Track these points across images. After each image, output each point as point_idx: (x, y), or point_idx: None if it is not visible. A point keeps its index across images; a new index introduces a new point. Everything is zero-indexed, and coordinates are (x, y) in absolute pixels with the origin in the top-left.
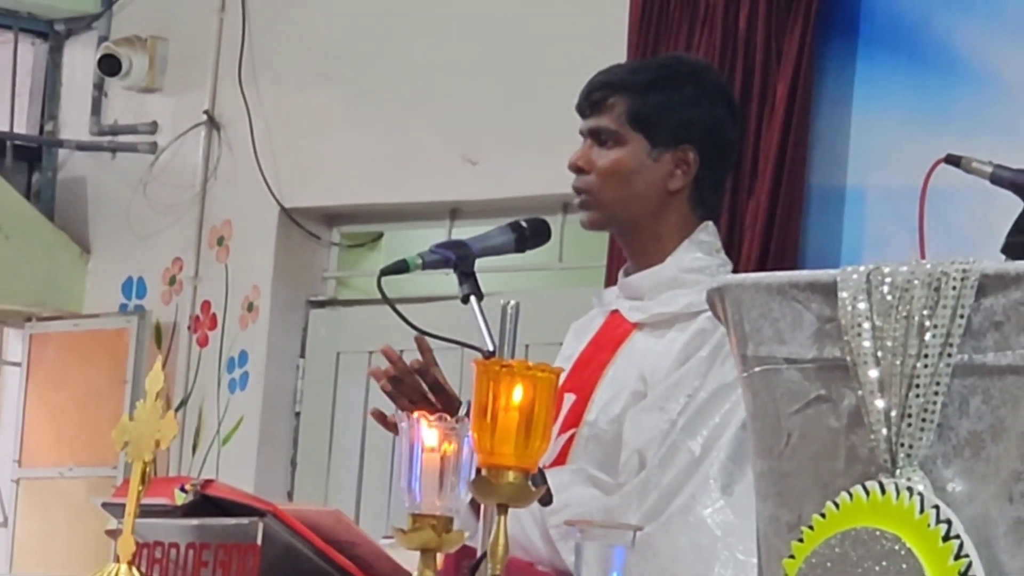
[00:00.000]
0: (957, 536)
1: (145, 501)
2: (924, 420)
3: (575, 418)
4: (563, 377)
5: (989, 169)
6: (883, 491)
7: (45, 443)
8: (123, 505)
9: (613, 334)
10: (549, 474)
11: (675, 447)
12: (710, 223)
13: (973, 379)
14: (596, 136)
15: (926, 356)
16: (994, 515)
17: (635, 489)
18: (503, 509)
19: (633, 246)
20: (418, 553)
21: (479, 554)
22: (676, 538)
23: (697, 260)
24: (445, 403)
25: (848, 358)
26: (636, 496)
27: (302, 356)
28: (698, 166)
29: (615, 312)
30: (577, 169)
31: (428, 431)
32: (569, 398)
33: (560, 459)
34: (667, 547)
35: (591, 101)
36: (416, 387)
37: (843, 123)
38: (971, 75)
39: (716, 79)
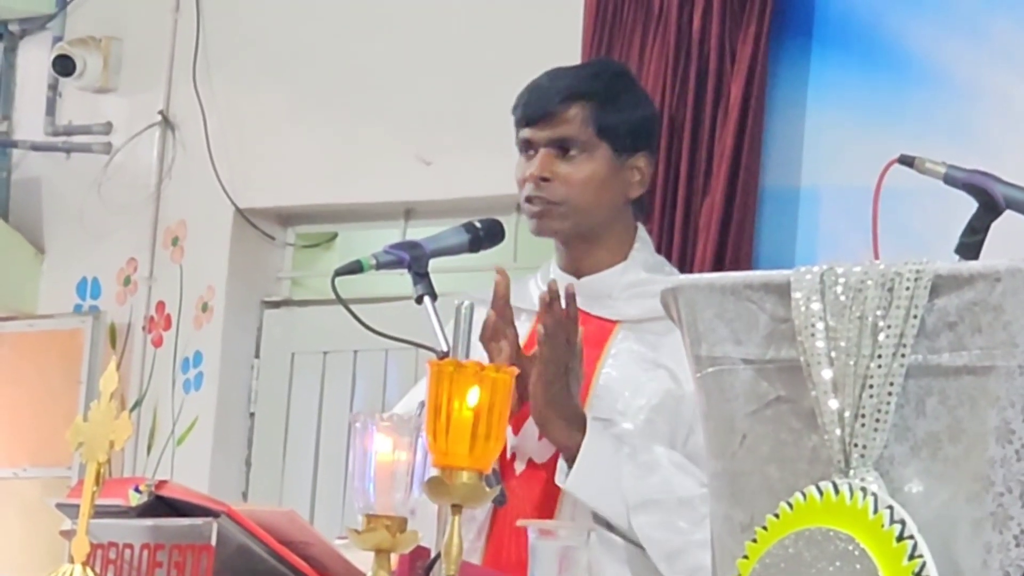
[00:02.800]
0: (911, 536)
1: (99, 502)
2: (878, 420)
3: None
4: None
5: (942, 170)
6: (836, 491)
7: None
8: (77, 506)
9: (585, 331)
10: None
11: None
12: (641, 225)
13: (928, 380)
14: (559, 145)
15: (879, 356)
16: (953, 515)
17: None
18: (457, 509)
19: (580, 250)
20: (372, 554)
21: (433, 554)
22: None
23: (650, 258)
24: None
25: (802, 358)
26: None
27: (256, 356)
28: (650, 172)
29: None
30: (542, 180)
31: (381, 433)
32: None
33: (556, 456)
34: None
35: (550, 110)
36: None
37: (797, 124)
38: (924, 75)
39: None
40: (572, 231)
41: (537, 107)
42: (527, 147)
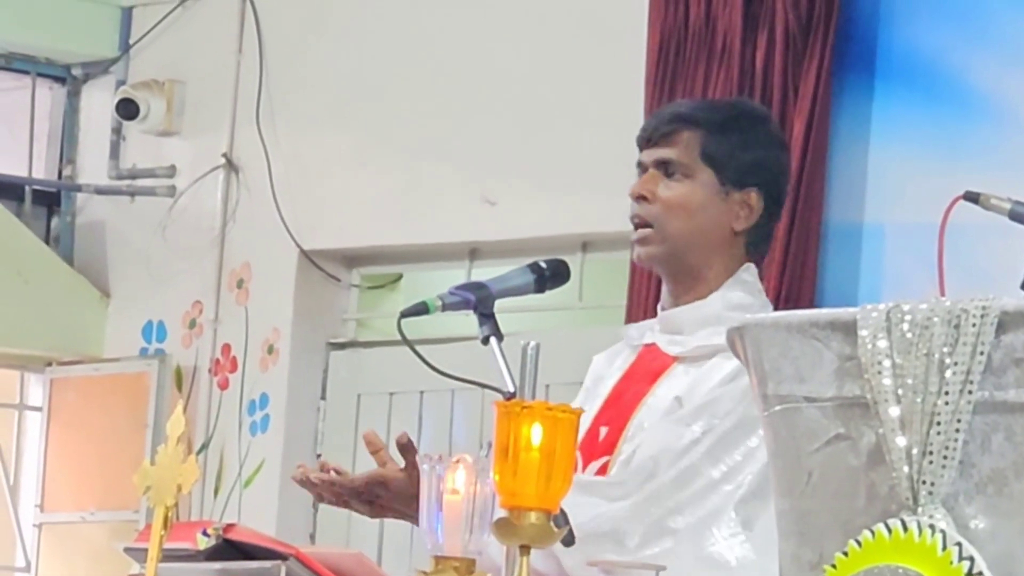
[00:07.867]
0: (980, 573)
1: (167, 545)
2: (945, 457)
3: (609, 446)
4: (593, 409)
5: (1008, 205)
6: (905, 529)
7: (67, 488)
8: (145, 549)
9: (650, 367)
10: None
11: (694, 469)
12: (752, 265)
13: (995, 416)
14: (664, 167)
15: (947, 393)
16: (1018, 552)
17: (644, 500)
18: (525, 550)
19: (679, 282)
20: None
21: None
22: (690, 564)
23: (740, 298)
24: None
25: (868, 396)
26: (644, 506)
27: (323, 398)
28: (761, 210)
29: (650, 346)
30: (640, 198)
31: (452, 472)
32: (603, 431)
33: None
34: (680, 573)
35: (662, 132)
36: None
37: (860, 159)
38: (988, 110)
39: (777, 126)
40: (667, 258)
41: (650, 129)
42: (640, 169)
